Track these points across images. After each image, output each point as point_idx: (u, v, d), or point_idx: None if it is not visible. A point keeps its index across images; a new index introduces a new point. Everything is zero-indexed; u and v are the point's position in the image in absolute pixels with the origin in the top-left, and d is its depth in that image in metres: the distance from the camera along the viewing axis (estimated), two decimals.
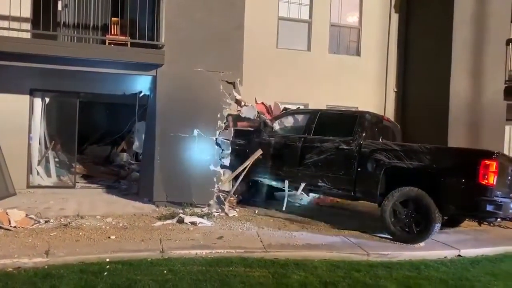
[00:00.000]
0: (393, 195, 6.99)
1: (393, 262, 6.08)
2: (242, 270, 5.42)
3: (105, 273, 5.07)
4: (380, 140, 7.79)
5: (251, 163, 8.91)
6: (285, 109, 10.49)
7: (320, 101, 11.47)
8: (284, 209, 8.20)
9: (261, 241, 6.52)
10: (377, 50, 12.01)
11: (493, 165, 6.31)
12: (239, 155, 8.95)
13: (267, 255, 6.01)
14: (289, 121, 9.00)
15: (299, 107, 10.55)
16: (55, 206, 8.07)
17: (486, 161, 6.33)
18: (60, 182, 10.12)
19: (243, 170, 8.64)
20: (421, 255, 6.42)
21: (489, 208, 6.34)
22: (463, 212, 7.12)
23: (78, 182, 10.23)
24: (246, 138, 9.05)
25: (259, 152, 8.89)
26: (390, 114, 11.85)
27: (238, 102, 8.88)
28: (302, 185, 8.05)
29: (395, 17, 12.06)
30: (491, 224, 8.04)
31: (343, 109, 10.17)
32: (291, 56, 11.28)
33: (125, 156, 12.75)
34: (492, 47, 10.81)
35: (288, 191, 8.47)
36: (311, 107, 11.46)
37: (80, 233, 6.43)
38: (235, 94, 8.74)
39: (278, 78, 11.09)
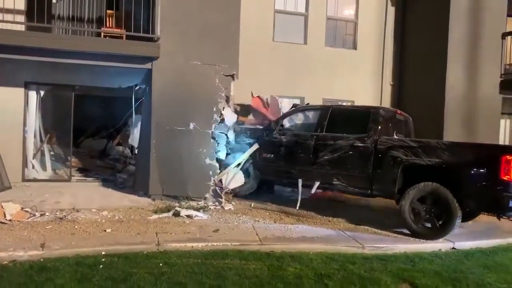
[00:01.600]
0: (409, 193, 6.86)
1: (388, 254, 6.11)
2: (237, 263, 5.43)
3: (101, 266, 5.07)
4: (394, 134, 7.66)
5: (247, 157, 8.95)
6: (294, 105, 10.36)
7: (316, 95, 11.48)
8: (297, 208, 8.00)
9: (256, 234, 6.55)
10: (373, 43, 12.00)
11: None
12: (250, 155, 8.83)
13: (263, 248, 6.03)
14: (299, 118, 8.82)
15: (296, 104, 10.44)
16: (50, 200, 8.06)
17: (507, 156, 6.21)
18: (55, 176, 10.10)
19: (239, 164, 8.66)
20: (415, 248, 6.46)
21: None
22: (485, 208, 7.00)
23: (73, 176, 10.21)
24: (256, 137, 8.88)
25: (255, 146, 8.90)
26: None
27: (227, 99, 8.76)
28: (316, 184, 7.90)
29: (391, 10, 12.05)
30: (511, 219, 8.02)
31: (355, 104, 10.04)
32: (287, 49, 11.26)
33: (121, 149, 12.72)
34: (487, 41, 10.83)
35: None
36: (307, 100, 11.47)
37: (76, 226, 6.43)
38: (232, 88, 8.71)
39: (274, 71, 11.07)
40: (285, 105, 11.35)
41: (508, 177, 6.21)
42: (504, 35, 10.95)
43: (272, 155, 8.50)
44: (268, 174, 8.86)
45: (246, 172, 9.01)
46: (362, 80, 11.92)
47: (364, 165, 7.37)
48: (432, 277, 5.36)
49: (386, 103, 12.05)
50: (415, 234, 6.79)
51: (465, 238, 6.92)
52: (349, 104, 11.85)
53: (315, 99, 11.46)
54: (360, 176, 7.44)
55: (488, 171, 6.36)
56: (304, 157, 8.04)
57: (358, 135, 7.54)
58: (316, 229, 7.12)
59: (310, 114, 8.67)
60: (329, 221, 7.65)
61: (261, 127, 9.16)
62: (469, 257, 6.20)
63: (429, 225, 6.82)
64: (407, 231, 7.12)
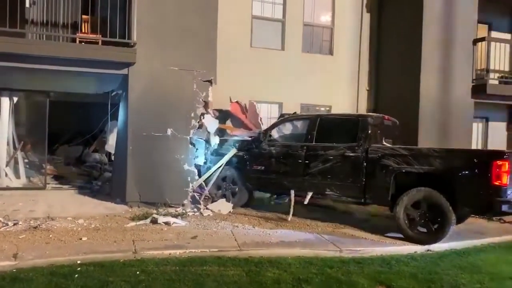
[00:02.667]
0: (402, 199, 6.87)
1: (365, 258, 6.18)
2: (216, 269, 5.41)
3: (76, 275, 4.98)
4: (383, 141, 7.63)
5: (225, 162, 8.94)
6: (281, 115, 10.35)
7: (294, 100, 11.57)
8: (289, 219, 7.90)
9: (235, 240, 6.54)
10: (349, 49, 12.17)
11: (506, 165, 6.26)
12: (238, 168, 8.77)
13: (242, 253, 6.03)
14: (288, 128, 8.68)
15: (284, 114, 10.39)
16: (24, 208, 7.88)
17: (498, 161, 6.28)
18: (29, 184, 9.88)
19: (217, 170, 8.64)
20: (392, 251, 6.55)
21: (504, 208, 6.35)
22: (478, 213, 7.13)
23: (48, 183, 10.00)
24: (245, 148, 8.75)
25: (233, 151, 8.90)
26: (362, 112, 12.02)
27: (206, 105, 8.74)
28: (309, 194, 7.85)
29: (367, 17, 12.25)
30: (501, 221, 8.19)
31: (343, 112, 9.91)
32: (265, 55, 11.32)
33: (97, 156, 12.53)
34: (460, 47, 11.12)
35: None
36: (285, 105, 11.55)
37: (50, 235, 6.30)
38: (210, 94, 8.70)
39: (252, 77, 11.11)
40: (264, 111, 11.44)
41: (500, 182, 6.26)
42: (475, 41, 11.26)
43: (263, 167, 8.39)
44: (259, 186, 8.75)
45: (223, 180, 8.93)
46: (339, 85, 12.06)
47: (356, 175, 7.36)
48: (408, 279, 5.44)
49: (362, 108, 12.22)
50: (411, 240, 6.78)
51: (440, 240, 7.04)
52: (327, 108, 12.00)
53: (293, 104, 11.56)
54: (353, 185, 7.40)
55: (480, 176, 6.40)
56: (295, 168, 7.97)
57: (348, 144, 7.53)
58: (294, 233, 7.16)
59: (299, 123, 8.54)
60: (308, 225, 7.70)
61: (249, 138, 9.03)
62: (443, 259, 6.32)
63: (424, 230, 6.82)
64: (383, 234, 7.23)
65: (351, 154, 7.43)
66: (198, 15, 8.66)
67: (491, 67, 12.09)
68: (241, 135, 9.77)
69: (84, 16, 8.87)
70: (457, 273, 5.76)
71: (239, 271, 5.40)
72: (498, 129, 13.45)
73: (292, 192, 8.02)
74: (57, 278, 4.84)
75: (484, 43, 11.54)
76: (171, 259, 5.67)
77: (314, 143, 7.93)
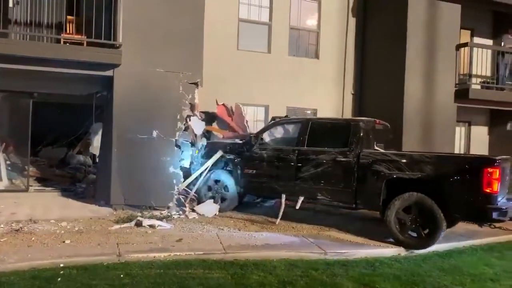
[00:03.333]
0: (394, 204, 6.85)
1: (349, 260, 6.23)
2: (201, 272, 5.40)
3: (59, 278, 4.93)
4: (375, 145, 7.63)
5: (211, 164, 8.92)
6: (273, 118, 10.32)
7: (280, 103, 11.62)
8: (277, 222, 7.85)
9: (220, 243, 6.53)
10: (335, 53, 12.28)
11: (496, 172, 6.24)
12: (230, 171, 8.70)
13: (227, 256, 6.03)
14: (279, 132, 8.64)
15: (275, 117, 10.36)
16: (6, 211, 7.75)
17: (489, 169, 6.25)
18: (12, 186, 9.73)
19: (204, 172, 8.61)
20: (376, 253, 6.61)
21: (495, 215, 6.34)
22: (469, 220, 7.14)
23: (31, 186, 9.85)
24: (236, 152, 8.68)
25: (219, 154, 8.89)
26: (347, 116, 12.14)
27: (192, 107, 8.70)
28: (301, 199, 7.80)
29: (352, 21, 12.37)
30: (491, 226, 8.17)
31: (334, 116, 9.90)
32: (251, 57, 11.35)
33: (81, 158, 12.40)
34: (443, 52, 11.29)
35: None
36: (271, 108, 11.58)
37: (33, 238, 6.21)
38: (196, 96, 8.69)
39: (239, 79, 11.13)
40: (250, 113, 11.46)
41: (491, 189, 6.24)
42: (458, 47, 11.45)
43: (254, 171, 8.34)
44: (251, 190, 8.70)
45: (214, 183, 8.86)
46: (324, 89, 12.15)
47: (348, 180, 7.33)
48: (392, 281, 5.51)
49: (348, 111, 12.33)
50: (402, 244, 6.76)
51: (431, 246, 6.99)
52: (313, 111, 12.07)
53: (279, 107, 11.60)
54: (344, 190, 7.38)
55: (471, 183, 6.38)
56: (287, 172, 7.93)
57: (339, 149, 7.50)
58: (279, 236, 7.18)
59: (290, 127, 8.49)
60: (293, 227, 7.73)
61: (240, 141, 8.96)
62: (426, 261, 6.41)
63: (415, 234, 6.81)
64: (368, 237, 7.30)
65: (343, 159, 7.40)
66: (184, 17, 8.65)
67: (474, 72, 12.31)
68: (232, 138, 9.75)
69: (68, 17, 8.78)
70: (439, 275, 5.86)
71: (224, 274, 5.40)
72: (480, 133, 13.70)
73: (283, 196, 7.97)
74: (40, 282, 4.79)
75: (467, 49, 11.73)
76: (156, 262, 5.65)
77: (305, 147, 7.88)
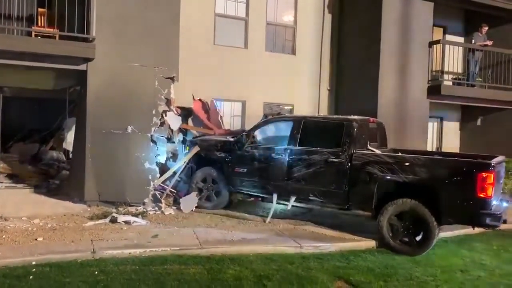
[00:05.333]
0: (387, 209, 6.73)
1: (324, 253, 6.33)
2: (177, 268, 5.40)
3: (31, 276, 4.85)
4: (368, 145, 7.59)
5: (188, 160, 8.89)
6: (265, 115, 10.23)
7: (258, 98, 11.61)
8: (268, 221, 7.77)
9: (197, 238, 6.53)
10: (311, 49, 12.34)
11: (491, 177, 6.13)
12: (221, 169, 8.50)
13: (203, 251, 6.04)
14: (271, 130, 8.49)
15: (267, 115, 10.31)
16: None
17: (483, 173, 6.14)
18: None
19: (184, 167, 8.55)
20: (350, 246, 6.74)
21: (489, 221, 6.25)
22: (463, 223, 6.99)
23: (2, 182, 9.58)
24: (227, 150, 8.49)
25: (196, 149, 8.86)
26: (324, 111, 12.25)
27: (168, 102, 8.61)
28: (292, 199, 7.74)
29: (328, 17, 12.45)
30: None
31: (327, 115, 9.67)
32: (228, 53, 11.30)
33: (54, 154, 12.14)
34: (416, 49, 11.49)
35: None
36: (249, 104, 11.58)
37: (4, 236, 6.09)
38: (172, 91, 8.61)
39: (215, 75, 11.06)
40: (227, 109, 11.44)
41: (485, 194, 6.13)
42: (431, 44, 11.67)
43: (245, 170, 8.17)
44: (241, 189, 8.53)
45: (203, 181, 8.72)
46: (301, 85, 12.20)
47: (340, 181, 7.24)
48: (366, 273, 5.63)
49: (324, 107, 12.42)
50: (394, 250, 6.66)
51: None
52: (290, 107, 12.13)
53: (256, 102, 11.61)
54: (336, 192, 7.29)
55: (465, 188, 6.27)
56: (279, 172, 7.80)
57: (332, 149, 7.38)
58: (256, 230, 7.24)
59: (282, 126, 8.33)
60: (270, 222, 7.77)
61: (231, 139, 8.77)
62: (399, 254, 6.56)
63: (407, 239, 6.71)
64: (342, 231, 7.41)
65: (335, 160, 7.29)
66: (160, 11, 8.54)
67: (446, 69, 12.62)
68: (224, 135, 9.67)
69: (40, 9, 8.56)
70: (411, 267, 6.02)
71: (200, 269, 5.41)
72: (452, 128, 14.06)
73: (275, 196, 7.90)
74: (11, 280, 4.70)
75: (439, 46, 11.99)
76: (131, 259, 5.61)
77: (297, 146, 7.75)
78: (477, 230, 7.72)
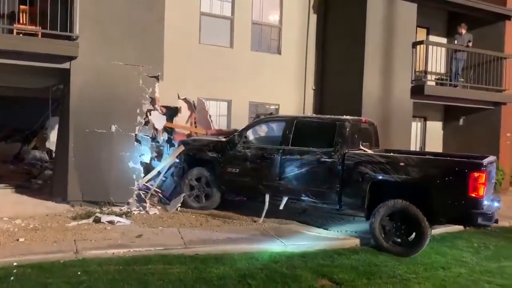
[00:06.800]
0: (378, 211, 6.73)
1: (308, 252, 6.36)
2: (161, 268, 5.38)
3: (12, 278, 4.78)
4: (361, 145, 7.61)
5: (173, 159, 8.85)
6: (257, 115, 10.19)
7: (243, 98, 11.63)
8: (261, 221, 7.72)
9: (181, 238, 6.51)
10: (296, 49, 12.39)
11: (483, 177, 6.15)
12: (212, 169, 8.44)
13: (188, 251, 6.02)
14: (263, 130, 8.49)
15: (259, 115, 10.26)
16: None
17: (475, 173, 6.15)
18: None
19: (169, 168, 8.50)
20: (334, 245, 6.79)
21: (480, 220, 6.25)
22: (455, 223, 7.06)
23: None
24: (219, 150, 8.41)
25: (181, 148, 8.83)
26: (309, 111, 12.31)
27: (153, 101, 8.55)
28: (285, 199, 7.70)
29: (313, 17, 12.51)
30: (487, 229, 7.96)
31: (319, 115, 9.48)
32: (214, 52, 11.28)
33: (37, 153, 11.99)
34: (400, 49, 11.62)
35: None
36: (234, 103, 11.58)
37: None
38: (157, 90, 8.55)
39: (201, 74, 11.04)
40: (213, 108, 11.41)
41: (476, 193, 6.15)
42: (414, 44, 11.82)
43: (237, 170, 8.11)
44: (233, 190, 8.52)
45: (197, 181, 8.64)
46: (286, 84, 12.25)
47: (332, 181, 7.22)
48: (349, 271, 5.69)
49: (309, 107, 12.49)
50: (386, 251, 6.65)
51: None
52: (276, 107, 12.17)
53: (242, 102, 11.62)
54: (329, 192, 7.28)
55: (457, 188, 6.29)
56: (271, 172, 7.76)
57: (325, 149, 7.36)
58: (241, 229, 7.24)
59: (275, 125, 8.34)
60: (255, 221, 7.79)
61: (223, 139, 8.70)
62: (382, 252, 6.63)
63: (399, 240, 6.73)
64: (327, 229, 7.47)
65: (327, 160, 7.27)
66: (144, 9, 8.47)
67: (429, 69, 12.77)
68: (216, 135, 9.62)
69: (22, 6, 8.41)
70: (394, 265, 6.09)
71: (184, 268, 5.40)
72: (435, 128, 14.26)
73: (267, 196, 7.87)
74: None
75: (422, 46, 12.15)
76: (115, 259, 5.57)
77: (290, 146, 7.72)
78: (458, 228, 7.89)
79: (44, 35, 7.96)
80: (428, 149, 13.55)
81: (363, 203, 6.97)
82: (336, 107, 11.14)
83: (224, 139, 8.64)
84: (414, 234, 6.65)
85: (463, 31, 12.41)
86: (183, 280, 5.05)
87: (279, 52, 12.23)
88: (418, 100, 11.95)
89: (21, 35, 8.00)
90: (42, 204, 8.15)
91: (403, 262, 6.23)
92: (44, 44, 7.69)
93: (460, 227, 7.81)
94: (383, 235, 6.74)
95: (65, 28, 7.91)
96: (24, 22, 8.39)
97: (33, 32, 8.07)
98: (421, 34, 13.36)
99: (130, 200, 8.17)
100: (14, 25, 8.23)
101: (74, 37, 7.89)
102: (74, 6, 7.84)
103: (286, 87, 12.25)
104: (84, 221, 7.06)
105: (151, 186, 8.81)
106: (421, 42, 11.99)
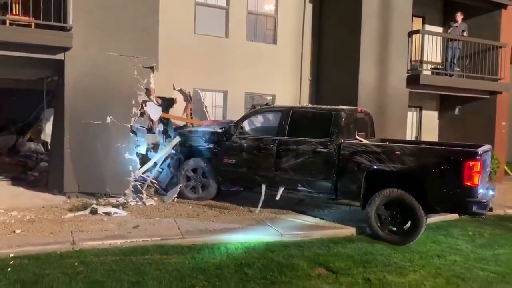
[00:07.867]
0: (374, 200, 6.78)
1: (305, 241, 6.41)
2: (158, 258, 5.40)
3: (9, 269, 4.80)
4: (357, 135, 7.60)
5: (169, 150, 8.85)
6: (253, 106, 10.09)
7: (239, 88, 11.60)
8: (257, 212, 7.74)
9: (178, 228, 6.53)
10: (292, 39, 12.34)
11: (477, 166, 6.17)
12: (209, 160, 8.45)
13: (185, 241, 6.05)
14: (259, 121, 8.45)
15: (255, 105, 10.18)
16: None
17: (470, 162, 6.18)
18: None
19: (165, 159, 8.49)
20: (330, 234, 6.84)
21: (475, 209, 6.29)
22: (450, 212, 7.15)
23: None
24: (215, 141, 8.43)
25: (177, 140, 8.83)
26: (305, 101, 12.29)
27: (148, 92, 8.50)
28: (281, 189, 7.69)
29: (309, 7, 12.44)
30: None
31: (315, 106, 9.44)
32: (209, 42, 11.22)
33: (32, 145, 11.93)
34: (396, 39, 11.59)
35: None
36: (230, 94, 11.55)
37: None
38: (152, 80, 8.52)
39: (196, 64, 10.99)
40: (208, 99, 11.38)
41: (471, 182, 6.19)
42: (410, 34, 11.79)
43: (233, 161, 8.12)
44: (229, 180, 8.53)
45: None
46: (282, 74, 12.22)
47: (328, 171, 7.23)
48: (345, 260, 5.73)
49: (305, 97, 12.48)
50: (382, 240, 6.69)
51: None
52: (272, 97, 12.15)
53: (238, 92, 11.60)
54: (325, 182, 7.29)
55: (452, 176, 6.32)
56: (267, 163, 7.76)
57: (320, 139, 7.37)
58: (238, 219, 7.27)
59: (271, 116, 8.29)
60: (251, 211, 7.82)
61: (219, 130, 8.65)
62: (378, 240, 6.68)
63: (395, 229, 6.77)
64: (323, 219, 7.51)
65: (323, 150, 7.28)
66: (139, 0, 8.41)
67: (425, 58, 12.77)
68: (210, 126, 9.60)
69: None
70: (390, 253, 6.14)
71: (181, 258, 5.42)
72: (430, 117, 14.29)
73: (263, 186, 7.86)
74: None
75: (418, 36, 12.12)
76: (112, 250, 5.59)
77: (286, 137, 7.72)
78: (453, 216, 7.95)
79: (37, 26, 7.87)
80: (423, 138, 13.58)
81: (359, 192, 6.98)
82: (332, 97, 11.14)
83: (220, 130, 8.62)
84: (409, 222, 6.69)
85: (459, 20, 12.38)
86: (180, 270, 5.07)
87: (275, 42, 12.18)
88: (414, 90, 11.95)
89: (14, 26, 7.92)
90: (38, 196, 8.13)
91: (399, 251, 6.28)
92: (37, 34, 7.61)
93: (455, 216, 7.88)
94: (378, 224, 6.80)
95: (58, 19, 7.83)
96: (17, 12, 8.29)
97: (26, 23, 7.98)
98: (417, 24, 13.31)
99: (127, 191, 8.18)
100: (7, 15, 8.13)
101: (67, 28, 7.81)
102: None
103: (282, 77, 12.22)
104: (80, 212, 7.06)
105: (147, 177, 8.82)
106: (416, 32, 11.97)
